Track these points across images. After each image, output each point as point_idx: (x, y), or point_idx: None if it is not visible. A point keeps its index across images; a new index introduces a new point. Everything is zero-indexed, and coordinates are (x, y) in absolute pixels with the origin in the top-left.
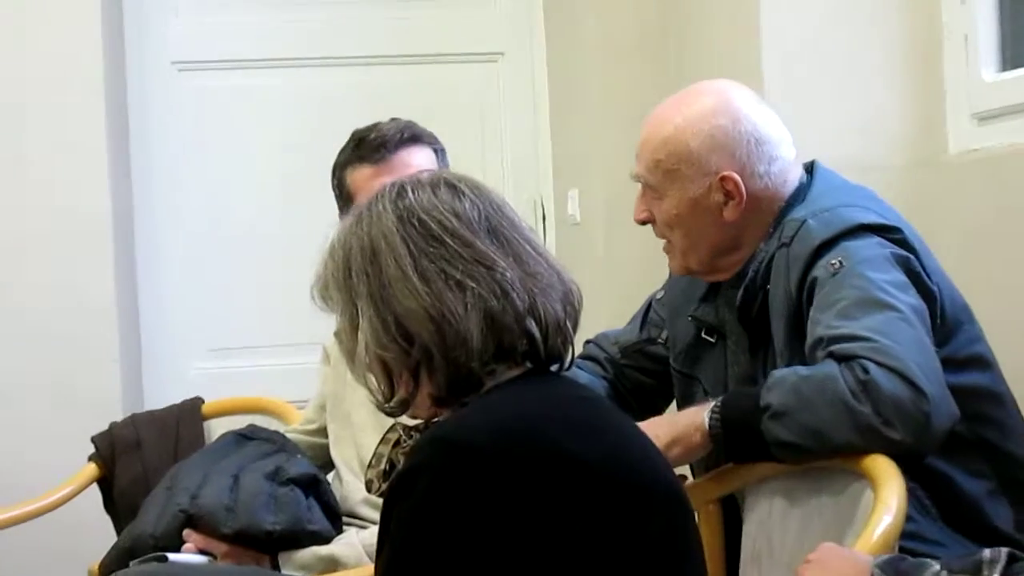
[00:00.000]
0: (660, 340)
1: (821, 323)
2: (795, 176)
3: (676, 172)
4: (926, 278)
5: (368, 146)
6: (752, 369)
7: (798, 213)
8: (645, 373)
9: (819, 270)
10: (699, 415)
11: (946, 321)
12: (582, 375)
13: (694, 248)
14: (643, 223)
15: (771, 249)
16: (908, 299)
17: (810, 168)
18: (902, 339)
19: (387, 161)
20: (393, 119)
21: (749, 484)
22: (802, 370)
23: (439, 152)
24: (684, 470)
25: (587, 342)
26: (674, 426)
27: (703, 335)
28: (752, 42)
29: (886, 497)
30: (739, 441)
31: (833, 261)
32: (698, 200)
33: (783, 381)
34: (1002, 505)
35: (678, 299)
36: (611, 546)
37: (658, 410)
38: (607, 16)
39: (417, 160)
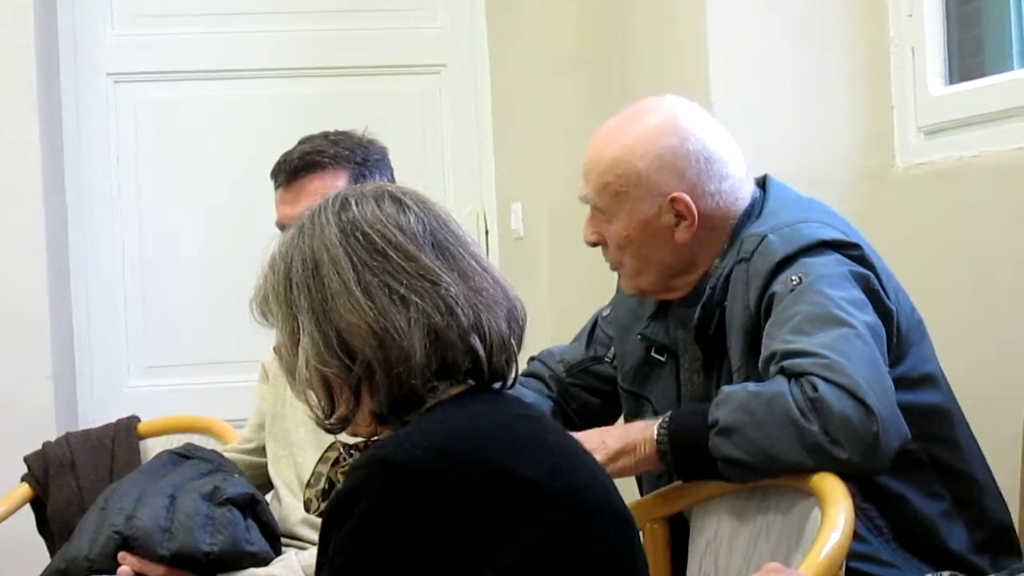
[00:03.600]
0: (607, 359)
1: (776, 338)
2: (747, 192)
3: (625, 194)
4: (884, 296)
5: (275, 168)
6: (706, 388)
7: (757, 228)
8: (591, 392)
9: (778, 285)
10: (649, 428)
11: (901, 339)
12: (527, 393)
13: (646, 270)
14: (594, 245)
15: (728, 265)
16: (864, 317)
17: (762, 183)
18: (854, 356)
19: (289, 187)
20: (306, 139)
21: (696, 503)
22: (751, 386)
23: (368, 166)
24: (630, 486)
25: (531, 359)
26: (623, 437)
27: (653, 354)
28: (699, 56)
29: (834, 516)
30: (687, 457)
31: (793, 277)
32: (648, 222)
33: (732, 397)
34: (957, 526)
35: (626, 317)
36: (555, 567)
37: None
38: (550, 29)
39: (316, 186)
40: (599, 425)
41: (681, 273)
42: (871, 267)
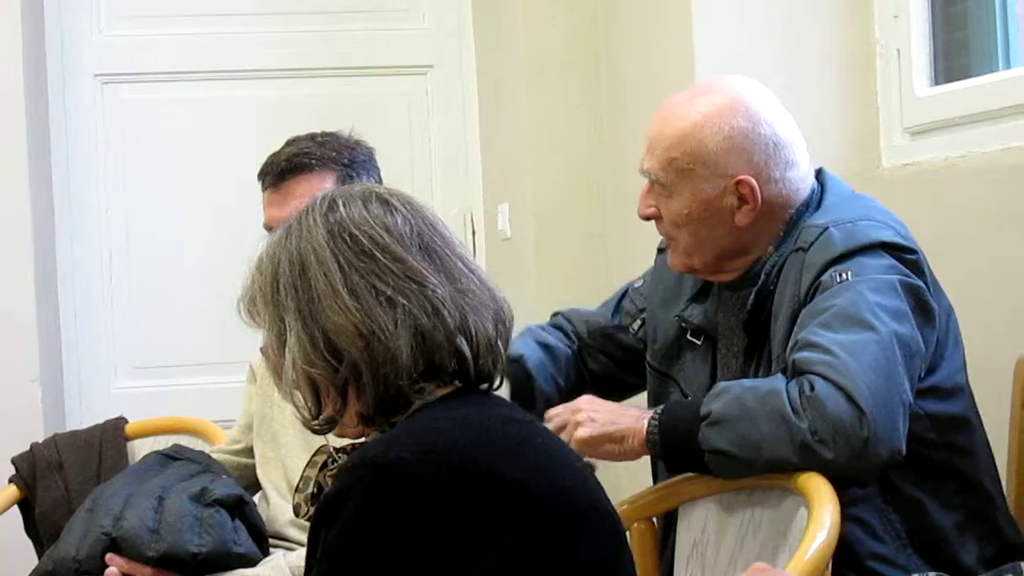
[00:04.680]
0: (632, 330)
1: (805, 326)
2: (808, 184)
3: (690, 172)
4: (931, 308)
5: (262, 170)
6: (743, 373)
7: (818, 219)
8: (609, 357)
9: (827, 276)
10: (640, 420)
11: (937, 349)
12: (548, 338)
13: (700, 249)
14: (647, 219)
15: (785, 254)
16: (896, 326)
17: (818, 175)
18: (865, 361)
19: (277, 188)
20: (292, 141)
21: (683, 503)
22: (747, 382)
23: (355, 167)
24: (617, 486)
25: (556, 313)
26: (614, 423)
27: (688, 336)
28: (685, 58)
29: (819, 516)
30: (675, 447)
31: (843, 271)
32: (711, 202)
33: (727, 391)
34: (970, 539)
35: (663, 294)
36: (542, 568)
37: (611, 398)
38: (537, 30)
39: (303, 188)
40: (610, 391)
41: (734, 256)
42: (923, 275)
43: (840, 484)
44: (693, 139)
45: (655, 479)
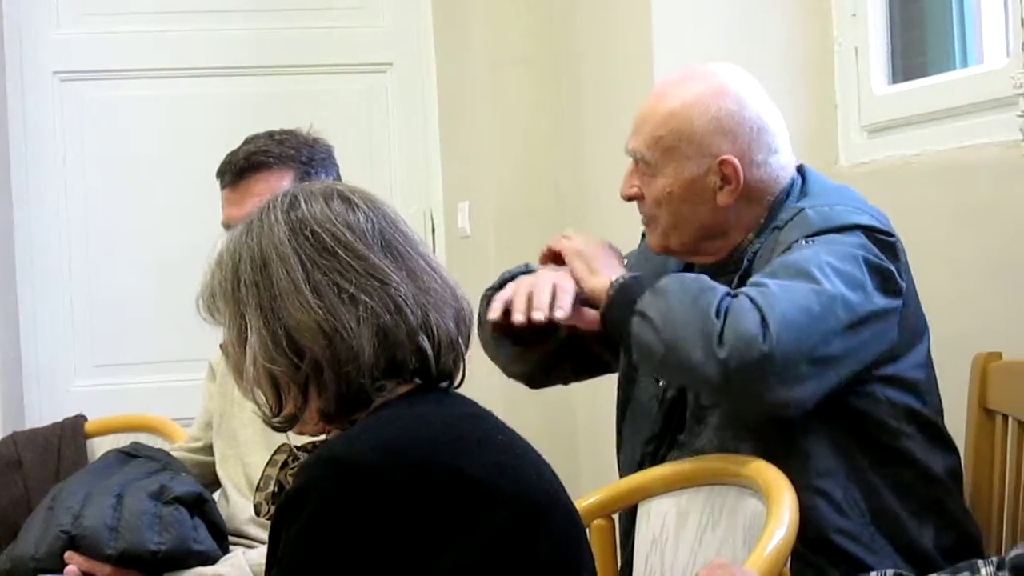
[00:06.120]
0: None
1: (759, 274)
2: (789, 172)
3: (675, 150)
4: (901, 287)
5: (221, 168)
6: None
7: (799, 203)
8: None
9: (796, 243)
10: (616, 271)
11: (901, 340)
12: None
13: (679, 228)
14: (630, 199)
15: (765, 239)
16: (844, 290)
17: (800, 169)
18: (794, 299)
19: (235, 187)
20: (250, 139)
21: (642, 500)
22: (702, 277)
23: (313, 165)
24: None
25: None
26: (598, 258)
27: None
28: (644, 56)
29: (778, 512)
30: (621, 302)
31: (810, 240)
32: (694, 180)
33: (684, 276)
34: (926, 527)
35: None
36: (503, 565)
37: (590, 375)
38: (497, 27)
39: (261, 187)
40: (587, 370)
41: (713, 237)
42: (898, 260)
43: (732, 409)
44: (680, 118)
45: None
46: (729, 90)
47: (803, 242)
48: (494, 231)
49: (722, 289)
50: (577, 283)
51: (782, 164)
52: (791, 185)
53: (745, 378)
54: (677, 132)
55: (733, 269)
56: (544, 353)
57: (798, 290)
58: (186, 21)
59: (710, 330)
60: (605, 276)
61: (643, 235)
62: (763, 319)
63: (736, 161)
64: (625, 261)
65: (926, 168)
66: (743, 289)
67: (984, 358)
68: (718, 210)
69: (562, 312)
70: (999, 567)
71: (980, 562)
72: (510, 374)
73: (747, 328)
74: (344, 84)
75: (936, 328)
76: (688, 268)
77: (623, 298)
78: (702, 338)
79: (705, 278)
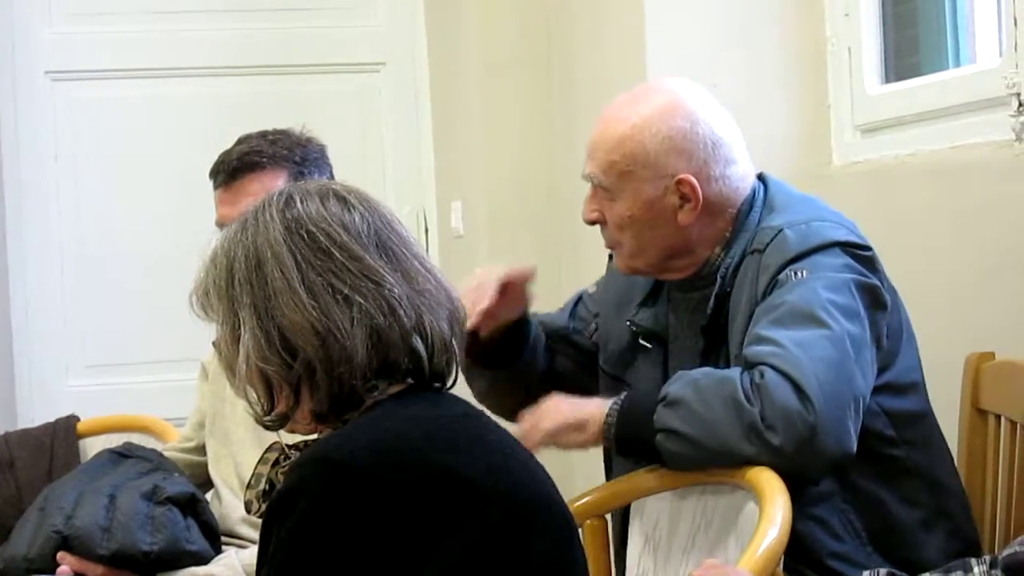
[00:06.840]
0: (587, 333)
1: (759, 322)
2: (749, 182)
3: (631, 174)
4: (887, 302)
5: (214, 168)
6: None
7: (773, 221)
8: (567, 357)
9: (783, 275)
10: (604, 406)
11: (891, 346)
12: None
13: (644, 251)
14: (592, 223)
15: (737, 254)
16: (848, 325)
17: (760, 177)
18: (815, 355)
19: (228, 187)
20: (244, 139)
21: (635, 500)
22: (705, 370)
23: (307, 165)
24: (570, 484)
25: None
26: (577, 412)
27: (640, 341)
28: (638, 56)
29: (771, 513)
30: (631, 429)
31: (799, 269)
32: (653, 203)
33: (685, 375)
34: (934, 536)
35: (615, 299)
36: (495, 565)
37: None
38: (490, 27)
39: (255, 187)
40: (565, 388)
41: (679, 256)
42: (877, 271)
43: (793, 481)
44: (632, 141)
45: (608, 474)
46: (679, 107)
47: (793, 275)
48: (487, 231)
49: (734, 371)
50: (582, 445)
51: (741, 175)
52: (753, 195)
53: (803, 453)
54: (631, 156)
55: (705, 285)
56: (516, 388)
57: (812, 341)
58: (179, 21)
59: (751, 419)
60: (594, 410)
61: (610, 256)
62: (797, 387)
63: (693, 179)
64: (594, 288)
65: (919, 168)
66: (757, 355)
67: (977, 358)
68: (681, 229)
69: (485, 303)
70: (992, 566)
71: (973, 560)
72: (488, 405)
73: (787, 404)
74: (337, 84)
75: (929, 328)
76: (658, 284)
77: (631, 419)
78: (745, 430)
79: (708, 369)
